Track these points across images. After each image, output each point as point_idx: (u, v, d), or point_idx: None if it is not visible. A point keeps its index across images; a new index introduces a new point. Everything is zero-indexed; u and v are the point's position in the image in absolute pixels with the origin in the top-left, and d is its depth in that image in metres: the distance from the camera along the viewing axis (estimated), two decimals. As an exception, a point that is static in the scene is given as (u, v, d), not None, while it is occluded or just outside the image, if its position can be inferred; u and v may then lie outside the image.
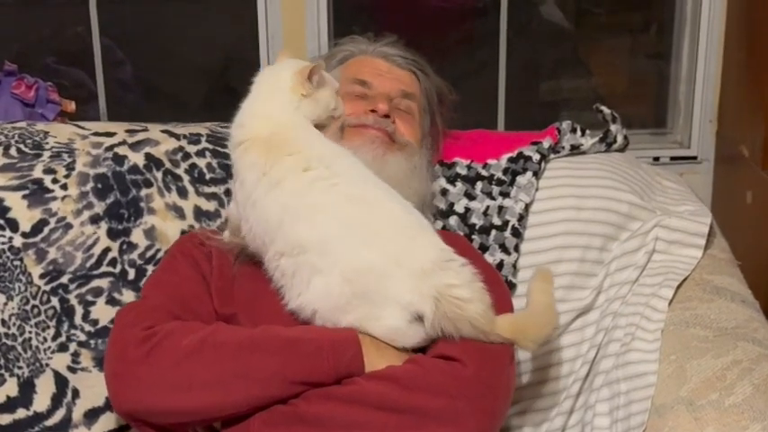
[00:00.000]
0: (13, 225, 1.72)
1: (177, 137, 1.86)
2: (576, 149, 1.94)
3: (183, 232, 1.76)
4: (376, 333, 1.38)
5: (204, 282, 1.54)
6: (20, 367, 1.68)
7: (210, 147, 1.85)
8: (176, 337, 1.40)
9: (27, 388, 1.68)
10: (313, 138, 1.50)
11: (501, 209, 1.81)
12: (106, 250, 1.74)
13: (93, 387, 1.69)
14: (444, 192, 1.83)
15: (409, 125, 1.71)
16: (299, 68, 1.52)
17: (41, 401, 1.67)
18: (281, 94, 1.51)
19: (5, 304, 1.69)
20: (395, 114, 1.69)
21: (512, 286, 1.76)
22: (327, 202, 1.42)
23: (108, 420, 1.68)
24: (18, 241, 1.71)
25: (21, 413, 1.67)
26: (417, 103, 1.75)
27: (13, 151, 1.78)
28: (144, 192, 1.78)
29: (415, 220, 1.45)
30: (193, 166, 1.82)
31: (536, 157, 1.87)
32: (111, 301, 1.72)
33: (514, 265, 1.78)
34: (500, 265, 1.77)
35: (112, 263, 1.73)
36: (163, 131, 1.87)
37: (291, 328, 1.41)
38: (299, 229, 1.40)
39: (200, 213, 1.79)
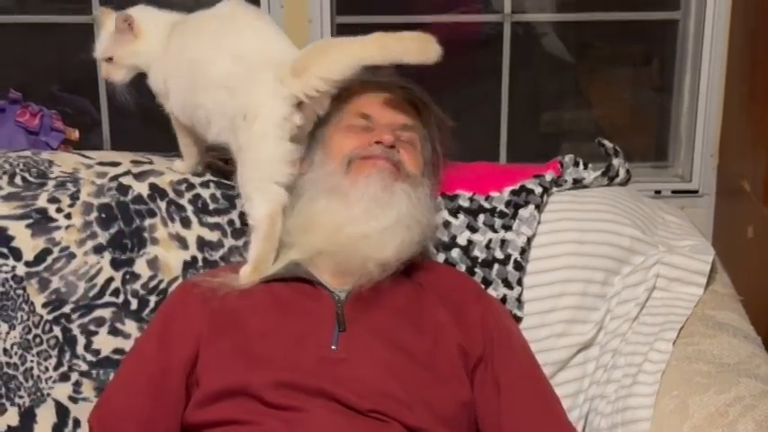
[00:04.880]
0: (17, 254, 1.72)
1: (182, 168, 1.87)
2: (578, 183, 1.94)
3: (185, 263, 1.77)
4: None
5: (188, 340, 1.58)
6: (21, 396, 1.68)
7: (215, 178, 1.85)
8: None
9: (28, 417, 1.67)
10: None
11: (503, 242, 1.82)
12: (109, 280, 1.74)
13: (94, 417, 1.68)
14: (447, 224, 1.83)
15: (412, 156, 1.71)
16: None
17: (42, 431, 1.67)
18: None
19: (7, 333, 1.69)
20: (398, 145, 1.69)
21: (517, 320, 1.76)
22: None
23: (108, 451, 1.67)
24: (21, 270, 1.72)
25: (21, 443, 1.67)
26: (419, 134, 1.75)
27: (17, 180, 1.79)
28: (147, 222, 1.78)
29: None
30: (197, 196, 1.82)
31: (538, 189, 1.87)
32: (114, 332, 1.72)
33: (518, 299, 1.78)
34: (503, 299, 1.77)
35: (115, 293, 1.74)
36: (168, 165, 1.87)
37: None
38: None
39: (203, 243, 1.79)
